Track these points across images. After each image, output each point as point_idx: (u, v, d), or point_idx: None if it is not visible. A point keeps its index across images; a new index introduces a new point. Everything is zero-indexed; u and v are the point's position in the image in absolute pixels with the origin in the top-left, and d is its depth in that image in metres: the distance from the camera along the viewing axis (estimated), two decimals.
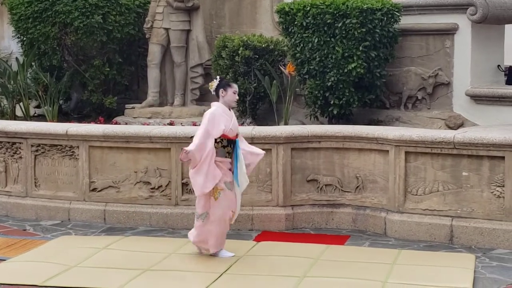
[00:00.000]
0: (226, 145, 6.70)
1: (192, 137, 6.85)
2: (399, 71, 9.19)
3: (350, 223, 7.91)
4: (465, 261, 6.66)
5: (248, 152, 6.81)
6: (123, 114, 10.46)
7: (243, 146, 6.80)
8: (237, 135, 6.74)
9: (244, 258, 6.74)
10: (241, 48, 9.48)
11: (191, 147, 6.52)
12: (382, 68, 8.94)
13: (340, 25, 8.62)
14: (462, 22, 8.81)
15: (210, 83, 6.87)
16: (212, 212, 6.71)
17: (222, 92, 6.71)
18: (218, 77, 6.92)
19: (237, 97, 6.80)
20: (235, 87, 6.77)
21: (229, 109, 6.74)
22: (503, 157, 7.06)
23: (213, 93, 6.77)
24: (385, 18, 8.74)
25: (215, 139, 6.64)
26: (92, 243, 7.24)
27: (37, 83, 10.83)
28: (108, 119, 10.33)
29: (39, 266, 6.52)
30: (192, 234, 6.88)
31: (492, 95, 8.65)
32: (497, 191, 7.12)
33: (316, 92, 8.94)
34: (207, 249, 6.83)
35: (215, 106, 6.70)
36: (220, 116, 6.62)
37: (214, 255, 6.78)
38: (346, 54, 8.66)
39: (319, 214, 7.95)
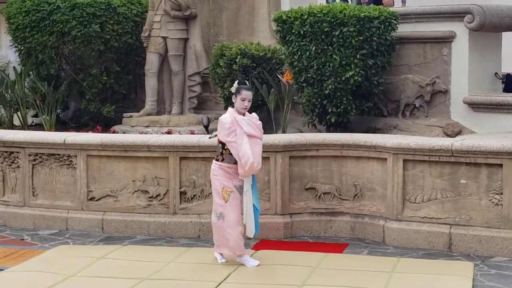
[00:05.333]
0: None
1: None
2: (396, 79, 9.20)
3: (348, 231, 7.90)
4: (463, 269, 6.66)
5: None
6: (121, 123, 10.44)
7: None
8: None
9: (242, 267, 6.73)
10: (238, 57, 9.49)
11: (256, 163, 6.54)
12: (380, 76, 8.94)
13: (337, 33, 8.63)
14: (460, 30, 8.82)
15: (232, 87, 6.85)
16: (227, 215, 6.68)
17: (234, 99, 6.72)
18: (237, 80, 6.88)
19: (246, 104, 6.68)
20: (244, 93, 6.65)
21: (243, 115, 6.67)
22: (501, 165, 7.07)
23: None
24: (382, 26, 8.75)
25: (223, 145, 6.64)
26: (90, 252, 7.23)
27: (35, 92, 10.82)
28: (106, 128, 10.32)
29: (37, 275, 6.50)
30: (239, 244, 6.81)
31: (489, 102, 8.66)
32: (495, 198, 7.12)
33: (314, 100, 8.94)
34: (228, 254, 6.80)
35: (226, 117, 6.66)
36: (232, 119, 6.59)
37: (240, 261, 6.76)
38: (344, 62, 8.67)
39: (318, 222, 7.95)
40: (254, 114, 6.85)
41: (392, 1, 10.71)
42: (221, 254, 6.88)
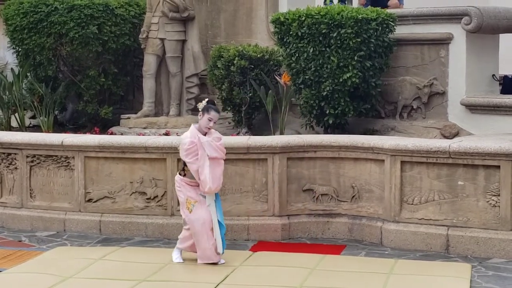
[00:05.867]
0: None
1: None
2: (394, 80, 9.21)
3: (346, 232, 7.91)
4: (461, 270, 6.67)
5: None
6: (118, 125, 10.44)
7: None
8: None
9: (240, 268, 6.73)
10: (236, 58, 9.49)
11: (213, 187, 6.67)
12: (377, 78, 8.95)
13: (335, 35, 8.64)
14: (457, 31, 8.83)
15: (199, 103, 6.93)
16: (192, 225, 6.79)
17: (200, 115, 6.83)
18: (207, 99, 6.95)
19: (211, 125, 6.79)
20: (212, 114, 6.76)
21: (205, 134, 6.76)
22: (498, 166, 7.07)
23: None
24: (380, 28, 8.76)
25: (184, 162, 6.76)
26: (88, 254, 7.23)
27: (33, 94, 10.81)
28: (104, 130, 10.31)
29: (34, 277, 6.50)
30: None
31: (487, 104, 8.67)
32: (493, 200, 7.13)
33: (312, 102, 8.95)
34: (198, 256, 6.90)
35: (189, 132, 6.79)
36: (195, 143, 6.69)
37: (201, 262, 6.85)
38: (341, 64, 8.68)
39: (315, 223, 7.95)
40: (216, 133, 6.91)
41: (398, 2, 10.57)
42: (180, 252, 6.97)
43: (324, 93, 8.82)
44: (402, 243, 7.48)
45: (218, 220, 6.81)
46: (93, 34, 10.27)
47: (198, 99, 10.56)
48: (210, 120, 6.77)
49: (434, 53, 8.99)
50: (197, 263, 6.86)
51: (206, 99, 6.96)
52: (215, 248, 6.79)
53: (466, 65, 8.85)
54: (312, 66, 8.82)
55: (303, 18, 8.80)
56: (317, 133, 9.14)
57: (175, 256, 6.97)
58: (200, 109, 6.85)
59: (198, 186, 6.78)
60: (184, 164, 6.82)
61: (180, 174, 6.90)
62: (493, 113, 8.63)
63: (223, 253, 6.86)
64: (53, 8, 10.30)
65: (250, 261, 6.95)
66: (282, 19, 9.02)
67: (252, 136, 8.53)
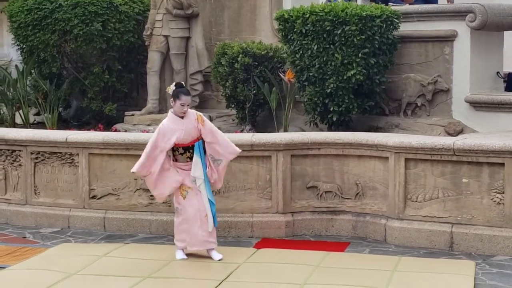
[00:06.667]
0: (183, 152, 6.82)
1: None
2: (398, 78, 9.20)
3: (350, 230, 7.91)
4: (465, 268, 6.66)
5: (220, 150, 6.87)
6: (122, 121, 10.45)
7: (216, 146, 6.84)
8: (197, 139, 6.78)
9: (244, 265, 6.73)
10: (240, 55, 9.49)
11: (134, 168, 6.77)
12: (382, 75, 8.94)
13: (339, 32, 8.63)
14: (461, 29, 8.82)
15: (167, 87, 6.97)
16: (185, 210, 6.81)
17: (172, 102, 6.84)
18: (174, 83, 6.96)
19: (185, 109, 6.78)
20: (183, 99, 6.75)
21: (182, 118, 6.77)
22: (502, 164, 7.06)
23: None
24: (384, 25, 8.75)
25: (173, 149, 6.79)
26: (92, 250, 7.23)
27: (37, 91, 10.83)
28: (108, 126, 10.32)
29: (39, 274, 6.51)
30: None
31: (491, 101, 8.66)
32: (497, 197, 7.12)
33: (316, 99, 8.94)
34: (179, 246, 6.94)
35: (166, 118, 6.82)
36: (169, 130, 6.72)
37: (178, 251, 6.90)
38: (346, 61, 8.67)
39: (319, 221, 7.95)
40: (193, 113, 6.86)
41: None
42: (183, 250, 6.95)
43: (328, 90, 8.81)
44: (406, 240, 7.48)
45: (209, 199, 6.80)
46: (97, 31, 10.28)
47: (202, 96, 10.61)
48: (183, 105, 6.76)
49: (439, 50, 8.98)
50: (187, 250, 6.86)
51: (174, 83, 6.94)
52: (208, 234, 6.79)
53: (471, 62, 8.83)
54: (316, 63, 8.82)
55: (307, 15, 8.79)
56: (321, 130, 9.13)
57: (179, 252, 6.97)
58: (170, 95, 6.85)
59: (189, 171, 6.78)
60: (173, 149, 6.82)
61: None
62: (498, 111, 8.61)
63: (215, 226, 6.84)
64: (57, 5, 10.31)
65: (254, 258, 6.95)
66: (286, 16, 9.01)
67: (256, 133, 8.53)
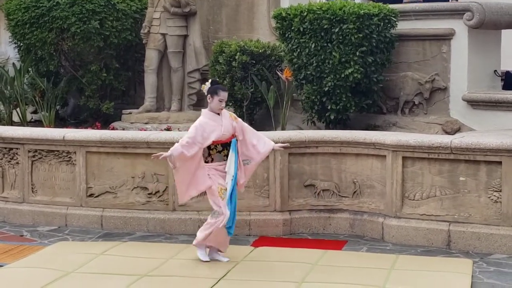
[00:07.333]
0: (222, 150, 6.72)
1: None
2: (396, 76, 9.20)
3: (347, 228, 7.91)
4: (462, 266, 6.67)
5: (252, 148, 6.80)
6: (120, 120, 10.45)
7: (251, 142, 6.78)
8: (233, 135, 6.72)
9: (241, 264, 6.73)
10: (238, 54, 9.49)
11: (173, 152, 6.51)
12: (379, 73, 8.95)
13: (337, 30, 8.63)
14: (459, 27, 8.82)
15: (202, 85, 6.90)
16: (223, 212, 6.64)
17: (209, 98, 6.75)
18: (210, 80, 6.90)
19: (223, 105, 6.74)
20: (222, 95, 6.69)
21: (218, 114, 6.72)
22: (500, 162, 7.07)
23: (206, 94, 6.80)
24: (382, 24, 8.75)
25: (209, 147, 6.67)
26: (89, 249, 7.23)
27: (34, 89, 10.82)
28: (105, 125, 10.32)
29: (36, 272, 6.50)
30: (206, 239, 6.78)
31: (489, 100, 8.66)
32: (494, 196, 7.13)
33: (313, 97, 8.94)
34: (223, 250, 6.82)
35: (202, 116, 6.71)
36: (208, 125, 6.63)
37: (213, 258, 6.78)
38: (343, 59, 8.67)
39: (317, 219, 7.95)
40: (227, 112, 6.80)
41: None
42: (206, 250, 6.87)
43: (326, 89, 8.81)
44: (404, 238, 7.48)
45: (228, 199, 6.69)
46: (94, 29, 10.27)
47: (199, 95, 10.59)
48: (221, 101, 6.69)
49: (436, 49, 8.98)
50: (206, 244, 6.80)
51: (210, 80, 6.88)
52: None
53: (468, 60, 8.84)
54: (314, 62, 8.82)
55: (305, 14, 8.79)
56: (319, 128, 9.14)
57: (201, 253, 6.83)
58: (206, 92, 6.76)
59: (224, 172, 6.65)
60: (209, 148, 6.70)
61: (206, 162, 6.75)
62: (495, 109, 8.62)
63: (232, 226, 6.71)
64: (54, 3, 10.31)
65: (252, 256, 6.95)
66: (283, 14, 9.01)
67: None
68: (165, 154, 6.56)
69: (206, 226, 6.73)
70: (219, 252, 6.86)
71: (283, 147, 7.10)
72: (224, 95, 6.72)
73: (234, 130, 6.75)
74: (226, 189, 6.65)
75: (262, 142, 6.89)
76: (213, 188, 6.67)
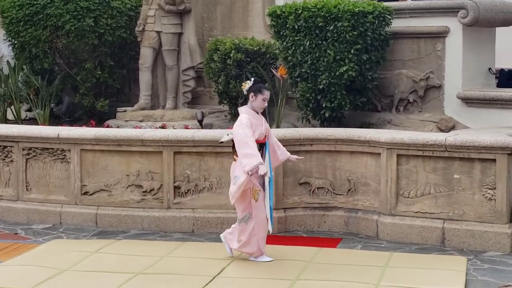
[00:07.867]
0: (259, 149, 6.58)
1: (221, 142, 6.89)
2: (390, 74, 9.21)
3: (342, 226, 7.92)
4: (456, 263, 6.68)
5: (273, 153, 6.78)
6: (114, 117, 10.43)
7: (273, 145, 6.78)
8: (265, 136, 6.67)
9: (236, 261, 6.73)
10: (233, 51, 9.49)
11: (260, 160, 6.37)
12: (374, 71, 8.95)
13: (331, 28, 8.64)
14: (453, 25, 8.83)
15: (243, 83, 6.73)
16: (255, 214, 6.60)
17: (252, 97, 6.62)
18: (252, 79, 6.75)
19: (266, 104, 6.65)
20: (266, 94, 6.61)
21: (257, 113, 6.64)
22: (494, 160, 7.08)
23: (245, 93, 6.67)
24: (377, 21, 8.75)
25: None
26: (84, 246, 7.23)
27: (28, 87, 10.79)
28: (100, 122, 10.30)
29: (30, 270, 6.50)
30: (232, 240, 6.77)
31: (483, 97, 8.68)
32: (489, 193, 7.14)
33: (308, 95, 8.95)
34: (250, 253, 6.74)
35: (245, 113, 6.57)
36: (253, 123, 6.52)
37: (255, 259, 6.72)
38: (338, 57, 8.67)
39: (311, 217, 7.96)
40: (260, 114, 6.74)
41: None
42: (231, 249, 6.83)
43: (321, 87, 8.82)
44: (398, 236, 7.49)
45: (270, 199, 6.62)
46: (89, 26, 10.25)
47: (194, 92, 10.59)
48: (264, 100, 6.61)
49: (431, 47, 8.99)
50: (235, 248, 6.73)
51: (252, 79, 6.72)
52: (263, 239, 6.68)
53: (463, 58, 8.85)
54: (309, 59, 8.82)
55: (300, 11, 8.79)
56: (314, 126, 9.14)
57: (263, 258, 6.75)
58: (246, 91, 6.62)
59: (256, 173, 6.44)
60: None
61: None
62: (489, 107, 8.64)
63: (272, 228, 6.67)
64: (49, 1, 10.28)
65: (247, 254, 6.94)
66: (278, 12, 9.01)
67: None
68: (261, 171, 6.36)
69: (253, 237, 6.61)
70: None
71: (297, 159, 7.08)
72: (268, 94, 6.65)
73: (266, 131, 6.69)
74: (259, 190, 6.54)
75: (281, 149, 6.90)
76: (246, 191, 6.55)
